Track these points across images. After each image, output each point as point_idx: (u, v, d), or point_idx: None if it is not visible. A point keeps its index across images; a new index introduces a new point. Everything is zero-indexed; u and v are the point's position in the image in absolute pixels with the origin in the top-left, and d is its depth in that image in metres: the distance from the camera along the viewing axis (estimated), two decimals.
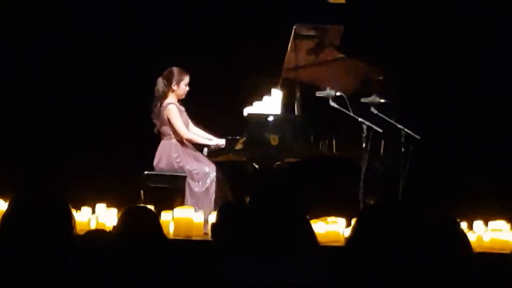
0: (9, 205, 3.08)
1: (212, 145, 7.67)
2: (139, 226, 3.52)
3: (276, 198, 3.35)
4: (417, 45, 8.71)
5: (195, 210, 7.12)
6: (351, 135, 7.46)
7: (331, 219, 7.14)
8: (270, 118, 7.45)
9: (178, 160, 7.60)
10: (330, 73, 7.83)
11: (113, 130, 8.62)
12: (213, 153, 7.67)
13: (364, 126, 7.36)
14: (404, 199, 7.26)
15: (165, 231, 3.75)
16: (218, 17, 8.79)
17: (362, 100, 7.52)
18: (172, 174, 7.58)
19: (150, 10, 8.91)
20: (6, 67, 8.71)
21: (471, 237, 6.14)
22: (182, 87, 7.63)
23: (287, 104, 7.70)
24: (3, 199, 6.93)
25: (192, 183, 7.50)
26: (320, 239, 3.84)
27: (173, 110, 7.58)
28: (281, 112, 7.62)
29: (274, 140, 7.38)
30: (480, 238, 7.03)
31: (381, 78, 7.81)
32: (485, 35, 8.71)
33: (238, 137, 7.52)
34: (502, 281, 3.62)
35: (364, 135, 7.36)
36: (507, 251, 5.15)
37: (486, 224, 7.45)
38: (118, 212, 6.81)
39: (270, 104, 7.61)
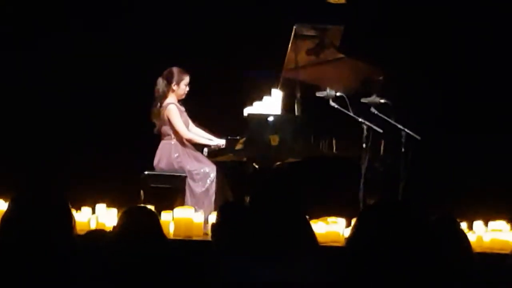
0: (9, 205, 3.08)
1: (212, 145, 7.67)
2: (139, 226, 3.52)
3: (276, 198, 3.35)
4: (417, 45, 8.71)
5: (195, 210, 7.12)
6: (351, 135, 7.46)
7: (331, 219, 7.14)
8: (270, 118, 7.44)
9: (178, 160, 7.60)
10: (330, 73, 7.83)
11: (113, 130, 8.62)
12: (213, 153, 7.67)
13: (364, 126, 7.36)
14: (404, 199, 7.26)
15: (165, 231, 3.75)
16: (218, 17, 8.79)
17: (362, 100, 7.52)
18: (172, 174, 7.58)
19: (150, 10, 8.91)
20: (6, 67, 8.71)
21: (471, 237, 6.14)
22: (182, 87, 7.63)
23: (287, 104, 7.69)
24: (3, 199, 6.93)
25: (192, 183, 7.50)
26: (320, 239, 3.84)
27: (173, 110, 7.58)
28: (281, 112, 7.61)
29: (274, 140, 7.37)
30: (480, 238, 7.03)
31: (381, 78, 7.81)
32: (485, 35, 8.71)
33: (238, 137, 7.51)
34: (502, 281, 3.62)
35: (364, 135, 7.35)
36: (507, 251, 5.15)
37: (486, 224, 7.45)
38: (118, 212, 6.80)
39: (270, 104, 7.61)
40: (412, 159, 7.40)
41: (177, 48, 8.48)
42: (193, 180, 7.51)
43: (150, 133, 7.71)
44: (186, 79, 7.63)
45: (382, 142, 7.54)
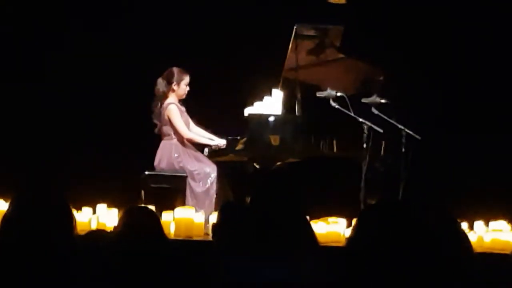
0: (9, 206, 3.08)
1: (213, 145, 7.67)
2: (140, 227, 3.52)
3: (276, 198, 3.35)
4: (417, 45, 8.71)
5: (196, 210, 7.12)
6: (351, 135, 7.47)
7: (331, 219, 7.13)
8: (271, 119, 7.45)
9: (178, 160, 7.60)
10: (331, 73, 7.84)
11: (113, 130, 8.62)
12: (214, 153, 7.67)
13: (365, 126, 7.36)
14: (404, 199, 7.26)
15: (165, 231, 3.75)
16: (218, 17, 8.79)
17: (363, 100, 7.52)
18: (173, 174, 7.58)
19: (150, 10, 8.91)
20: (6, 67, 8.71)
21: (472, 237, 6.14)
22: (183, 87, 7.63)
23: (287, 104, 7.70)
24: (3, 199, 6.93)
25: (192, 183, 7.50)
26: (321, 239, 3.84)
27: (173, 110, 7.58)
28: (282, 113, 7.61)
29: (274, 140, 7.38)
30: (480, 239, 7.03)
31: (381, 78, 7.81)
32: (485, 35, 8.71)
33: (238, 137, 7.52)
34: (503, 282, 3.61)
35: (364, 135, 7.36)
36: (508, 252, 5.15)
37: (487, 225, 7.45)
38: (118, 212, 6.81)
39: (271, 104, 7.61)
40: (412, 159, 7.41)
41: (177, 48, 8.48)
42: (194, 180, 7.51)
43: (151, 133, 7.71)
44: (186, 79, 7.63)
45: (383, 142, 7.55)
